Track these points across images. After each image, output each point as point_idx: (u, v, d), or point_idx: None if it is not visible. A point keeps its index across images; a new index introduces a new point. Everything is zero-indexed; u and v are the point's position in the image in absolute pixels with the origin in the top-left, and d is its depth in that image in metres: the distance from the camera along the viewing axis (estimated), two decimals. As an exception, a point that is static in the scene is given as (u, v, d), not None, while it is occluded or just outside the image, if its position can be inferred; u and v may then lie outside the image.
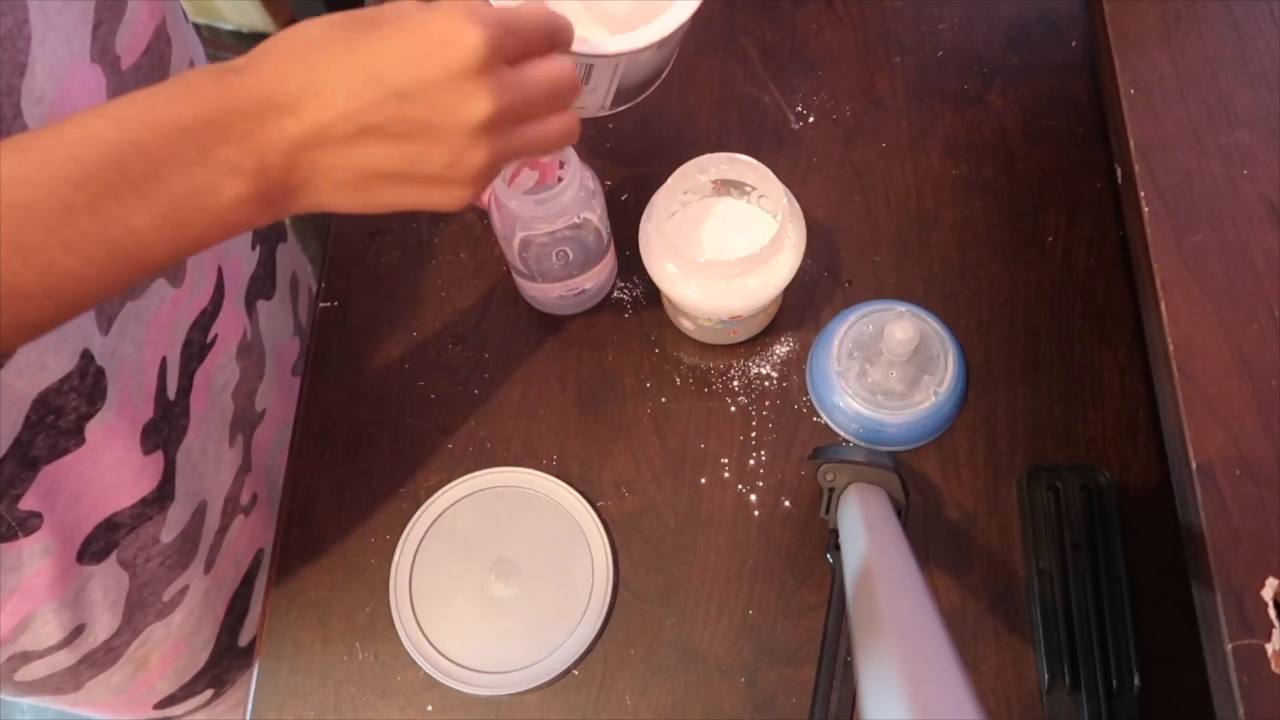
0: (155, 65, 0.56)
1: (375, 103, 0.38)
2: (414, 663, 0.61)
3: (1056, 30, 0.77)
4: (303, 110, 0.38)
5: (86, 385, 0.52)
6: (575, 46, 0.53)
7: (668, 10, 0.53)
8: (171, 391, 0.61)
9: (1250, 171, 0.55)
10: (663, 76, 0.59)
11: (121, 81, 0.52)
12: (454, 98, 0.39)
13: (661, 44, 0.53)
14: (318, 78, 0.38)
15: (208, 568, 0.70)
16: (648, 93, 0.60)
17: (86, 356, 0.52)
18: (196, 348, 0.63)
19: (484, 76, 0.39)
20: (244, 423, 0.73)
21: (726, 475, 0.65)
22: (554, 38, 0.44)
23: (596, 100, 0.56)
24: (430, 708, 0.60)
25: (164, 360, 0.60)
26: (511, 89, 0.40)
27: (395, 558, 0.63)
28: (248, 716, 0.61)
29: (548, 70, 0.42)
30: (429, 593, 0.63)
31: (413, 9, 0.39)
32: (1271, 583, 0.47)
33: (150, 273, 0.38)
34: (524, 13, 0.42)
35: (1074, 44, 0.77)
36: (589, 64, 0.54)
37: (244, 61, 0.39)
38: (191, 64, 0.61)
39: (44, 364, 0.49)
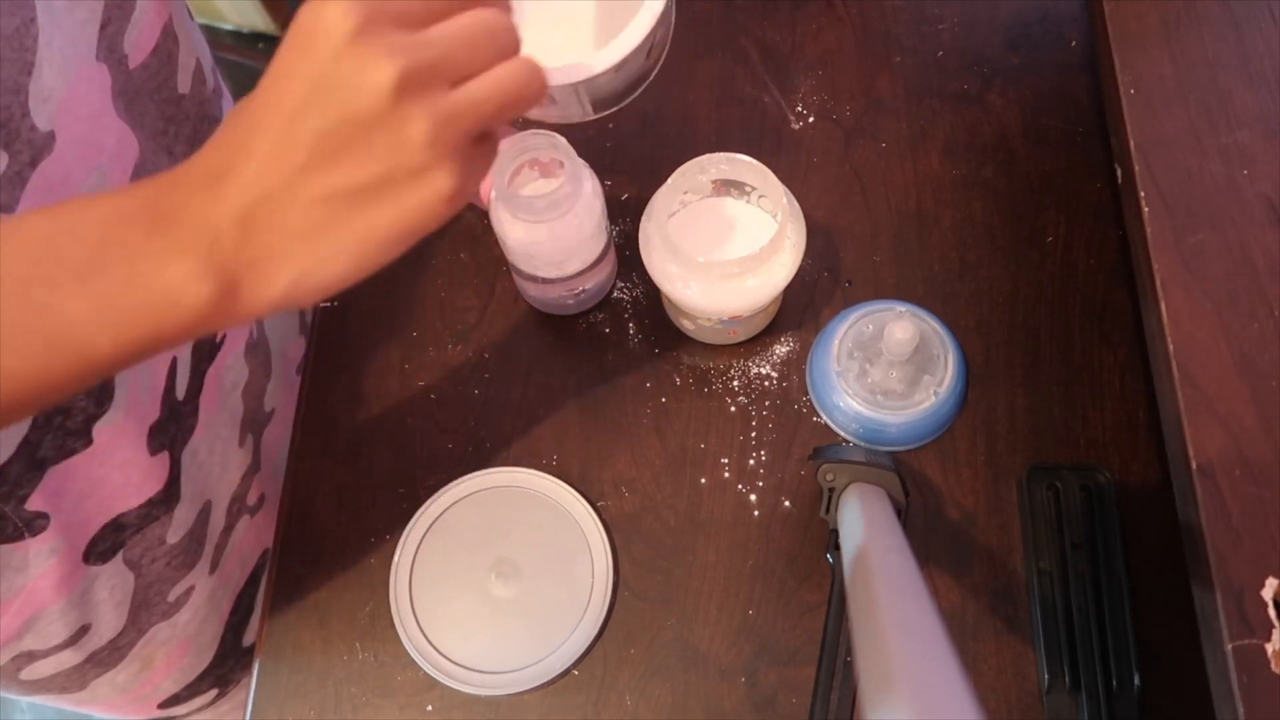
0: (164, 64, 0.56)
1: (287, 124, 0.35)
2: (414, 663, 0.61)
3: (1056, 30, 0.77)
4: (236, 171, 0.35)
5: (95, 386, 0.52)
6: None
7: (626, 29, 0.52)
8: (180, 392, 0.61)
9: (1250, 171, 0.55)
10: (650, 78, 0.58)
11: (129, 79, 0.53)
12: (350, 75, 0.35)
13: (619, 67, 0.52)
14: (243, 135, 0.36)
15: (213, 568, 0.70)
16: (635, 95, 0.59)
17: None
18: (206, 348, 0.64)
19: (366, 40, 0.35)
20: (254, 422, 0.73)
21: (726, 475, 0.65)
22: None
23: (575, 111, 0.55)
24: (430, 708, 0.61)
25: (174, 360, 0.60)
26: (413, 46, 0.36)
27: (395, 558, 0.63)
28: (248, 716, 0.61)
29: (458, 21, 0.37)
30: (429, 593, 0.63)
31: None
32: (1271, 583, 0.47)
33: (102, 370, 0.36)
34: None
35: (1074, 44, 0.77)
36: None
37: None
38: (198, 63, 0.61)
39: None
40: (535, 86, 0.39)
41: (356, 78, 0.34)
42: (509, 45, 0.38)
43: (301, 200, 0.35)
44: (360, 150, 0.35)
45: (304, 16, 0.35)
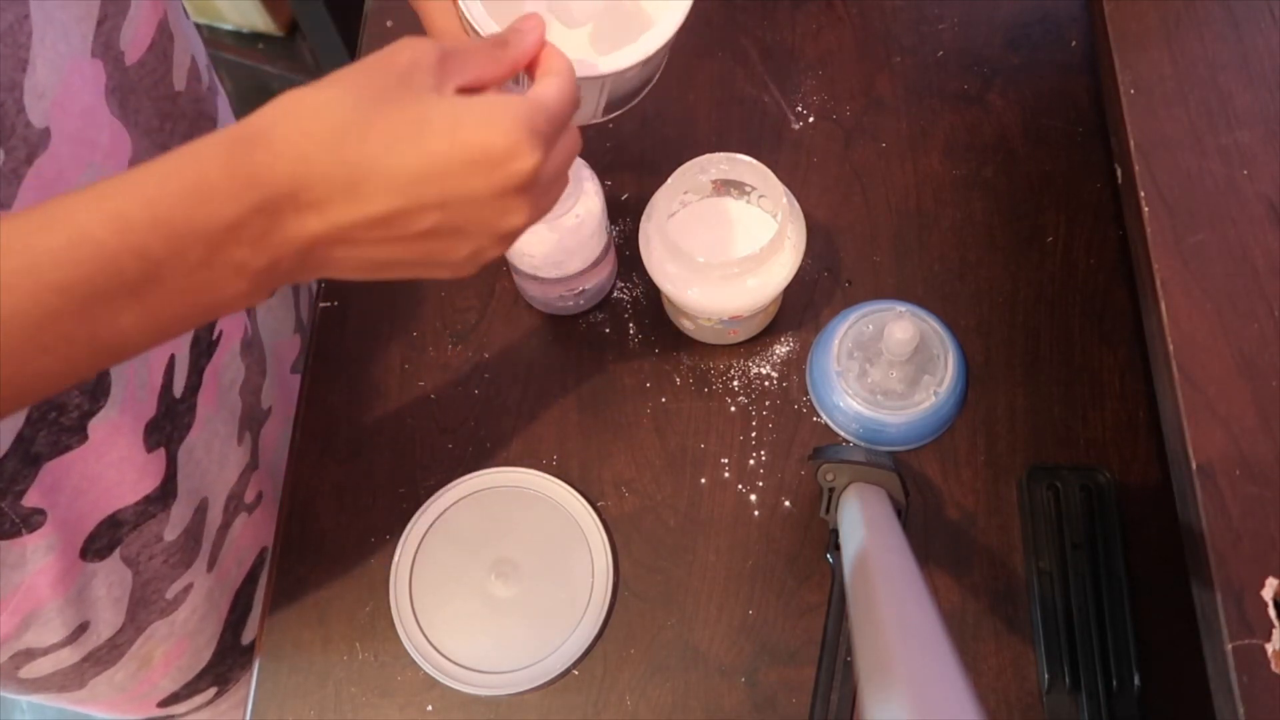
0: (159, 61, 0.56)
1: (412, 211, 0.35)
2: (414, 663, 0.61)
3: (1056, 30, 0.77)
4: (329, 208, 0.35)
5: (89, 383, 0.52)
6: None
7: (651, 26, 0.53)
8: (178, 389, 0.61)
9: (1250, 171, 0.55)
10: (653, 82, 0.59)
11: (125, 76, 0.53)
12: (495, 212, 0.37)
13: (646, 62, 0.54)
14: (350, 174, 0.34)
15: (210, 565, 0.70)
16: (637, 100, 0.60)
17: None
18: (205, 344, 0.64)
19: (530, 192, 0.37)
20: (252, 420, 0.73)
21: (726, 475, 0.65)
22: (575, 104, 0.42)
23: (587, 112, 0.56)
24: (430, 708, 0.61)
25: (172, 357, 0.60)
26: (544, 189, 0.39)
27: (395, 558, 0.63)
28: (248, 716, 0.61)
29: (569, 151, 0.41)
30: (429, 593, 0.63)
31: (462, 107, 0.36)
32: (1271, 583, 0.47)
33: (123, 361, 0.37)
34: (565, 95, 0.40)
35: (1074, 44, 0.77)
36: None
37: (259, 130, 0.34)
38: (193, 60, 0.61)
39: None
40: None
41: (500, 219, 0.38)
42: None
43: (368, 257, 0.37)
44: (444, 244, 0.38)
45: (497, 139, 0.36)
